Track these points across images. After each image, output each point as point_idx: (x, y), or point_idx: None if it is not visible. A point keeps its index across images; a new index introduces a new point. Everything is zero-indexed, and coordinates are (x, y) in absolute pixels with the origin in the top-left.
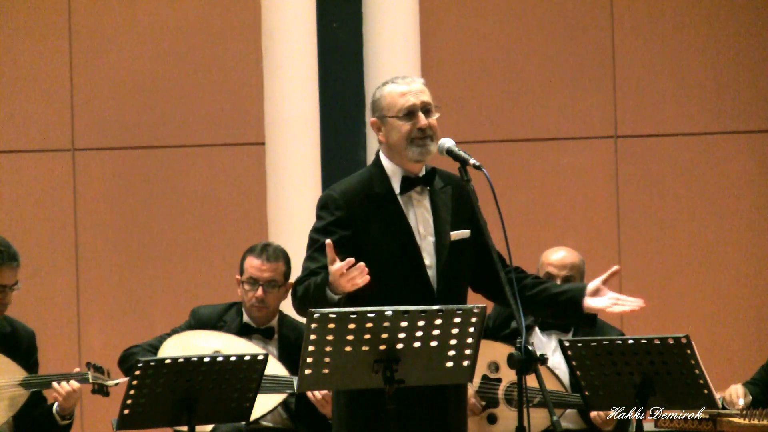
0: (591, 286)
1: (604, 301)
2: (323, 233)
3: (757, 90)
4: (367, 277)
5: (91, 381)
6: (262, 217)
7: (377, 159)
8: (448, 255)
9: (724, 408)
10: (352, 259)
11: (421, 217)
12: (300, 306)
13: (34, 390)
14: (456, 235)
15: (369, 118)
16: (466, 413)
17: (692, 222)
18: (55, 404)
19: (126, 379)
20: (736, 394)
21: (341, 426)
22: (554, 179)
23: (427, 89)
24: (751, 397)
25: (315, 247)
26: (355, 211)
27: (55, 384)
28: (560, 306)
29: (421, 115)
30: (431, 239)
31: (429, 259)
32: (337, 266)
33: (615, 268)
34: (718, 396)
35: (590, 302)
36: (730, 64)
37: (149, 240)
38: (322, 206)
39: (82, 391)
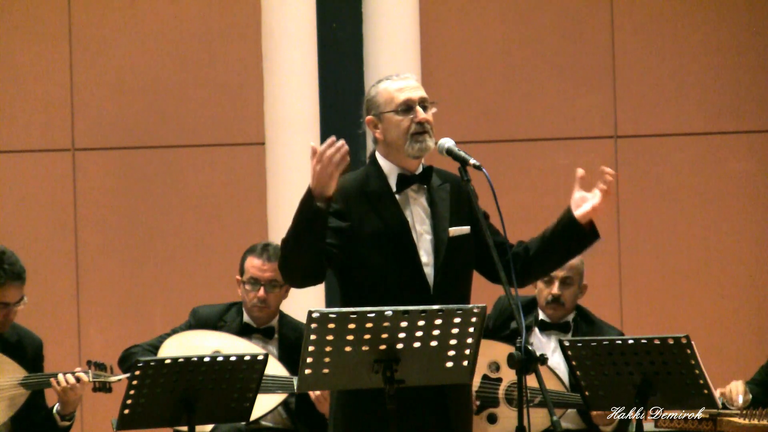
0: (573, 199)
1: (588, 200)
2: None
3: (757, 90)
4: (347, 157)
5: (91, 379)
6: (262, 217)
7: (373, 158)
8: (446, 252)
9: (724, 406)
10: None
11: (417, 215)
12: (283, 247)
13: (34, 390)
14: (454, 231)
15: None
16: (471, 413)
17: (692, 222)
18: (56, 405)
19: (127, 375)
20: (736, 392)
21: (338, 426)
22: (554, 179)
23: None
24: (751, 396)
25: None
26: (351, 207)
27: (60, 375)
28: (559, 235)
29: (419, 109)
30: (428, 237)
31: (426, 256)
32: (315, 157)
33: (581, 172)
34: (717, 393)
35: (580, 211)
36: (730, 64)
37: (149, 240)
38: None
39: (83, 390)
